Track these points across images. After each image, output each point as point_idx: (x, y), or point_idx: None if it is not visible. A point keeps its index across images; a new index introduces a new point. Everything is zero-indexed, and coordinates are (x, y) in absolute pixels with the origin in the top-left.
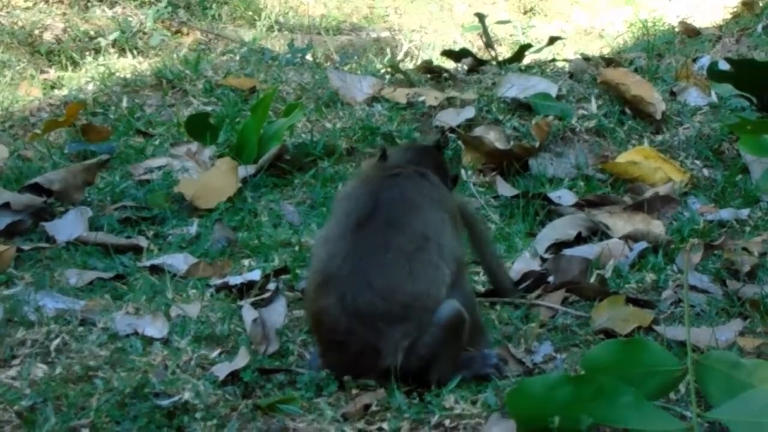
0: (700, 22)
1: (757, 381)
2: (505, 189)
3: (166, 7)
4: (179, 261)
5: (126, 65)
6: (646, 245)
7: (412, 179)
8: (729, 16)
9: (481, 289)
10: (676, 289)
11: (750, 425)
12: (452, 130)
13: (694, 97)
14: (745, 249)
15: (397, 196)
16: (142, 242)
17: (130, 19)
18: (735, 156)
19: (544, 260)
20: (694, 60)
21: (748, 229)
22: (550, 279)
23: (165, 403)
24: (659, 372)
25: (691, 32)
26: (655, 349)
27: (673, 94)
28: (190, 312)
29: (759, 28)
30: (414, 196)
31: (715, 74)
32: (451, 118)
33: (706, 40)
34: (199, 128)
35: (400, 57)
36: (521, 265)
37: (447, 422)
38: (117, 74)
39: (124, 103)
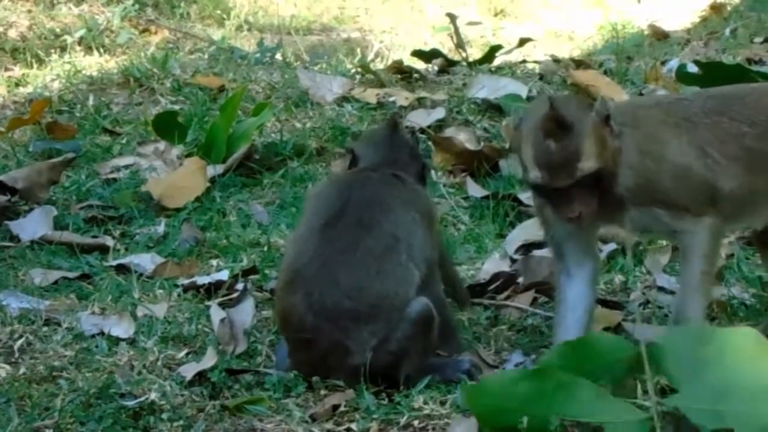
0: (669, 25)
1: (714, 352)
2: (475, 190)
3: (133, 5)
4: (146, 260)
5: (92, 63)
6: (615, 247)
7: (383, 180)
8: (697, 20)
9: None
10: (644, 290)
11: (708, 413)
12: (422, 130)
13: None
14: None
15: (367, 197)
16: (109, 242)
17: (96, 16)
18: None
19: (513, 261)
20: (663, 63)
21: None
22: (520, 280)
23: (131, 403)
24: (615, 361)
25: (660, 35)
26: (606, 340)
27: (642, 96)
28: (157, 312)
29: (727, 31)
30: (385, 196)
31: (683, 77)
32: (421, 118)
33: (674, 43)
34: (167, 127)
35: (370, 57)
36: (491, 266)
37: (416, 423)
38: (83, 72)
39: (91, 101)
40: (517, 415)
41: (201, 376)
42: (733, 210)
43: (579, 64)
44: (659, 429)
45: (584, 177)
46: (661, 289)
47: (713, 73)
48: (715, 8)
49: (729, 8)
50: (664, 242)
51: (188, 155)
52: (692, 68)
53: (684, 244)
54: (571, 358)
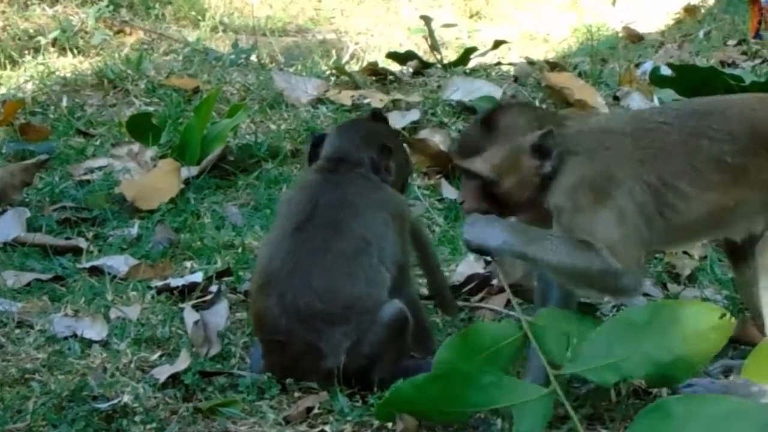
0: (643, 27)
1: (585, 329)
2: (450, 191)
3: (107, 6)
4: (119, 262)
5: (66, 64)
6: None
7: (353, 182)
8: (671, 22)
9: (425, 291)
10: None
11: (604, 369)
12: (397, 132)
13: (636, 101)
14: (685, 253)
15: (337, 199)
16: (82, 243)
17: (71, 17)
18: None
19: (488, 263)
20: (637, 65)
21: None
22: (494, 282)
23: (104, 406)
24: (503, 346)
25: (634, 38)
26: (490, 328)
27: (616, 98)
28: (130, 314)
29: (701, 34)
30: (355, 198)
31: (657, 79)
32: (396, 120)
33: (649, 46)
34: (141, 128)
35: (345, 59)
36: (465, 267)
37: (389, 425)
38: (57, 73)
39: (64, 103)
40: (434, 415)
41: (174, 379)
42: (707, 227)
43: (553, 66)
44: (564, 398)
45: (470, 172)
46: None
47: (687, 76)
48: (689, 11)
49: (703, 11)
50: None
51: (162, 157)
52: (666, 71)
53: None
54: (463, 349)
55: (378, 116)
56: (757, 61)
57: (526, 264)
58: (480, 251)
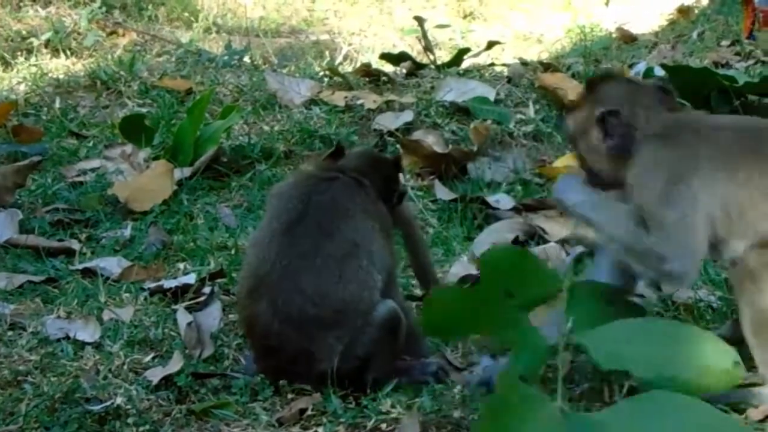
0: (636, 28)
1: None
2: (443, 193)
3: (100, 8)
4: (112, 264)
5: (59, 66)
6: (583, 249)
7: (345, 185)
8: (665, 23)
9: (418, 293)
10: None
11: (608, 353)
12: (390, 133)
13: None
14: None
15: (327, 201)
16: (75, 245)
17: (63, 19)
18: None
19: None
20: (631, 66)
21: None
22: None
23: (96, 408)
24: (539, 284)
25: (627, 38)
26: (541, 263)
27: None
28: (123, 316)
29: (694, 34)
30: (345, 202)
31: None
32: (389, 121)
33: (642, 47)
34: (134, 130)
35: (339, 60)
36: (459, 268)
37: (383, 426)
38: (50, 75)
39: (57, 104)
40: (455, 327)
41: (167, 381)
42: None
43: (547, 67)
44: (560, 360)
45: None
46: None
47: (680, 76)
48: (683, 11)
49: (696, 11)
50: None
51: (155, 158)
52: (659, 71)
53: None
54: (509, 262)
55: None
56: (751, 61)
57: (593, 230)
58: (560, 205)
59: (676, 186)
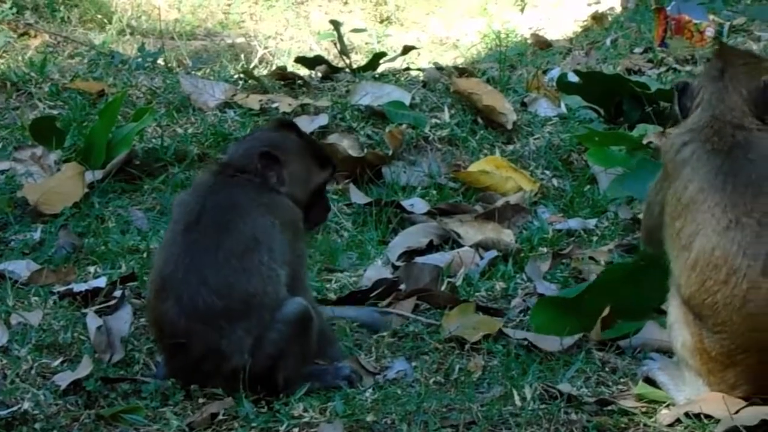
0: (551, 34)
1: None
2: (358, 197)
3: (11, 8)
4: (21, 267)
5: None
6: (497, 254)
7: (241, 184)
8: (579, 30)
9: (332, 296)
10: (525, 297)
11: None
12: (309, 143)
13: (544, 108)
14: (592, 258)
15: (223, 201)
16: None
17: None
18: (583, 167)
19: (396, 268)
20: (545, 71)
21: (595, 238)
22: (402, 287)
23: (3, 413)
24: None
25: (542, 44)
26: None
27: (524, 104)
28: (32, 319)
29: (607, 41)
30: (241, 200)
31: (564, 86)
32: (304, 125)
33: (556, 53)
34: (45, 132)
35: (254, 63)
36: (373, 272)
37: (295, 430)
38: None
39: None
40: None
41: (76, 385)
42: None
43: (462, 72)
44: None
45: None
46: (541, 295)
47: (593, 83)
48: (596, 19)
49: (610, 19)
50: (545, 249)
51: (66, 160)
52: (573, 77)
53: None
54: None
55: (285, 124)
56: (663, 68)
57: None
58: None
59: (672, 172)
